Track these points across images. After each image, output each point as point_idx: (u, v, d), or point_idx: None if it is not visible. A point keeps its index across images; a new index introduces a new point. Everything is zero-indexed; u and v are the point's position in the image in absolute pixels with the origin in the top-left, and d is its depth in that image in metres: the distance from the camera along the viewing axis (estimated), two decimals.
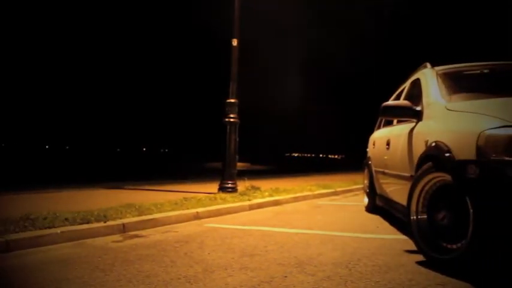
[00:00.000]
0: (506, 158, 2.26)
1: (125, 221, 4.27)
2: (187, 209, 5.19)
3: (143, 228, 4.31)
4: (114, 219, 4.27)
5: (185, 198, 6.06)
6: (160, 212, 4.86)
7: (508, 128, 2.33)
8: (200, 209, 5.21)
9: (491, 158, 2.33)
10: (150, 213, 4.70)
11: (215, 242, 3.73)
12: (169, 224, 4.61)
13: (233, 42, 7.57)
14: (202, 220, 4.97)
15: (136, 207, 4.96)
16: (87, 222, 4.04)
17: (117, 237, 3.95)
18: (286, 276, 2.61)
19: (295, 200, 7.21)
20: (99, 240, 3.78)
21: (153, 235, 4.06)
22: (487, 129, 2.40)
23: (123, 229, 4.15)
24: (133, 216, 4.49)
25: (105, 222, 4.13)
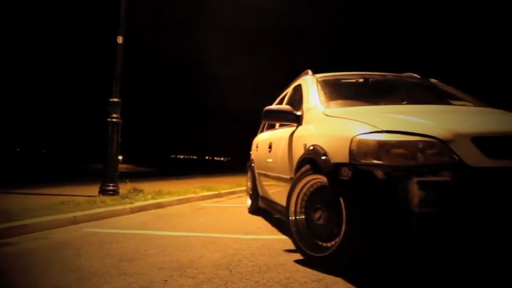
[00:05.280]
0: (375, 161, 2.43)
1: None
2: (64, 213, 4.86)
3: (12, 236, 3.93)
4: None
5: (62, 202, 5.69)
6: (33, 217, 4.49)
7: (376, 134, 2.51)
8: (78, 213, 4.92)
9: (362, 161, 2.49)
10: (21, 219, 4.32)
11: (93, 247, 3.54)
12: (43, 230, 4.28)
13: (118, 40, 7.32)
14: (81, 225, 4.70)
15: (5, 212, 4.54)
16: None
17: None
18: (166, 280, 2.55)
19: (179, 202, 7.13)
20: None
21: (24, 243, 3.74)
22: (359, 135, 2.57)
23: None
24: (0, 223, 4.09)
25: None
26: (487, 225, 2.32)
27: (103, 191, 6.86)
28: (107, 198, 6.31)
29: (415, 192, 2.28)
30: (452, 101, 3.89)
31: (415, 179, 2.29)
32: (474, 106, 3.71)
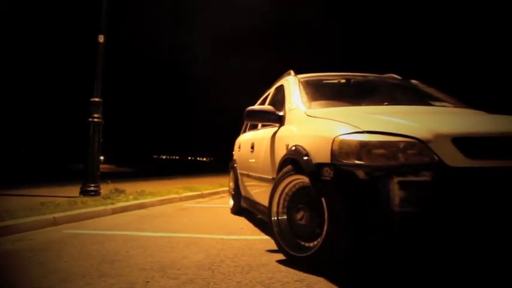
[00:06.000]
0: (356, 162, 2.45)
1: None
2: (44, 214, 4.79)
3: None
4: None
5: (42, 203, 5.61)
6: (13, 218, 4.41)
7: (358, 134, 2.53)
8: (58, 214, 4.85)
9: (344, 161, 2.51)
10: (0, 221, 4.25)
11: (74, 249, 3.49)
12: (23, 231, 4.20)
13: (99, 39, 7.26)
14: (61, 226, 4.63)
15: None
16: None
17: None
18: (148, 282, 2.53)
19: (161, 203, 7.09)
20: None
21: (3, 245, 3.67)
22: (340, 135, 2.58)
23: None
24: None
25: None
26: (466, 225, 2.35)
27: (84, 192, 6.78)
28: (88, 199, 6.24)
29: (396, 192, 2.30)
30: (432, 102, 3.94)
31: (396, 179, 2.31)
32: (454, 107, 3.77)
